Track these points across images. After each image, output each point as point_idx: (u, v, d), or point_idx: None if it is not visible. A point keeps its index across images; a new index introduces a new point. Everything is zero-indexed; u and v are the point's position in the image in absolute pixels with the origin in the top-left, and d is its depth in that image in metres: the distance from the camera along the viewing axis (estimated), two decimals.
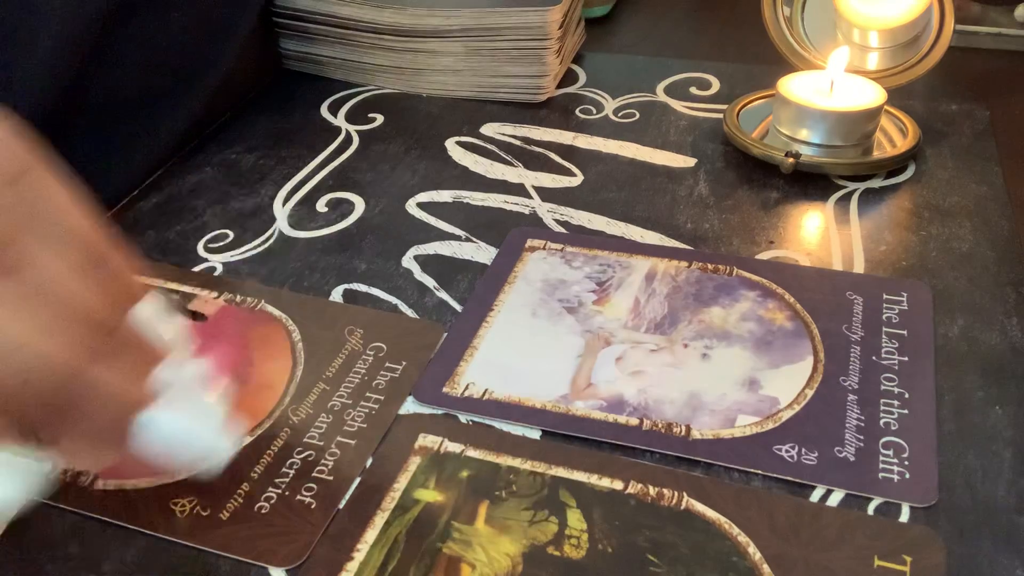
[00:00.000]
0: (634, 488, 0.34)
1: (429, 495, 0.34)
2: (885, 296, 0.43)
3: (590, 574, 0.31)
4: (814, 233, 0.48)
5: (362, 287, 0.45)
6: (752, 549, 0.32)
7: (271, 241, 0.49)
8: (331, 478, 0.35)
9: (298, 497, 0.34)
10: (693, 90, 0.63)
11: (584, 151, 0.57)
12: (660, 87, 0.64)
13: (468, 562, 0.32)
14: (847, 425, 0.36)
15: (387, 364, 0.40)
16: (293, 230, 0.50)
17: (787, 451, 0.35)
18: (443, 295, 0.45)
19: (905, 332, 0.41)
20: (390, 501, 0.34)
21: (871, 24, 0.59)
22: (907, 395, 0.38)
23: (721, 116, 0.57)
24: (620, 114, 0.61)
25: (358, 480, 0.35)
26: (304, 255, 0.48)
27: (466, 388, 0.39)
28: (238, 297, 0.45)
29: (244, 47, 0.60)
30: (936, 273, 0.45)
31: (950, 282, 0.44)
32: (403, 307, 0.44)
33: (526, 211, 0.51)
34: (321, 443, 0.37)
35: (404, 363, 0.40)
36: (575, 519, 0.33)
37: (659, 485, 0.34)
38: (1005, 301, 0.43)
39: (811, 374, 0.39)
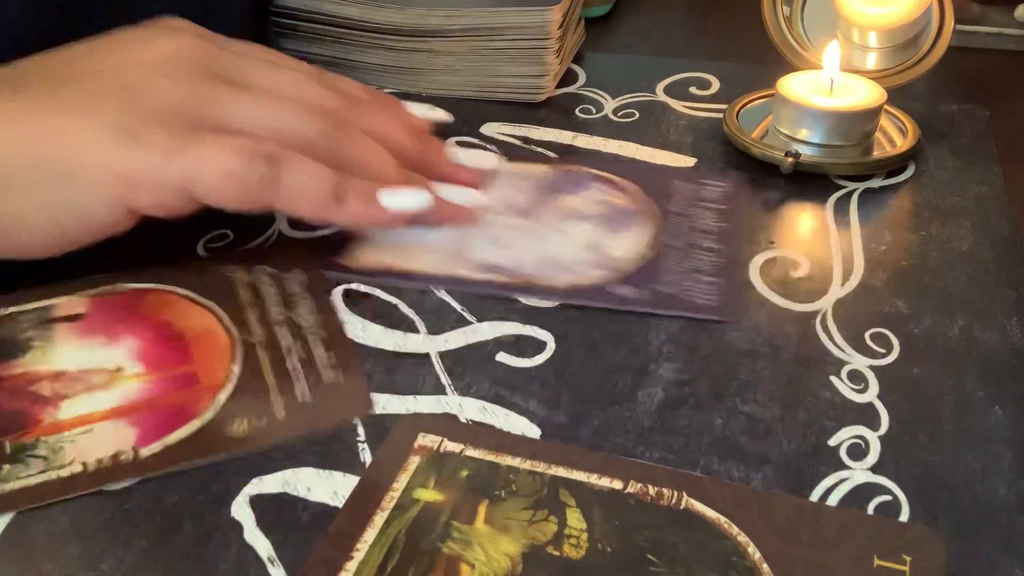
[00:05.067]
0: (634, 488, 0.34)
1: (429, 495, 0.34)
2: (702, 181, 0.52)
3: (590, 574, 0.31)
4: (814, 233, 0.49)
5: (362, 287, 0.45)
6: (752, 549, 0.32)
7: (271, 241, 0.49)
8: None
9: None
10: (693, 90, 0.63)
11: (584, 151, 0.57)
12: (660, 87, 0.64)
13: (468, 562, 0.32)
14: (676, 271, 0.45)
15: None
16: (293, 230, 0.50)
17: (626, 291, 0.44)
18: (443, 295, 0.45)
19: (725, 206, 0.50)
20: (389, 501, 0.34)
21: (871, 24, 0.59)
22: (723, 248, 0.47)
23: (721, 116, 0.58)
24: (620, 114, 0.61)
25: (358, 480, 0.35)
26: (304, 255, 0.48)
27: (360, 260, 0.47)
28: None
29: None
30: (936, 273, 0.45)
31: (950, 282, 0.44)
32: (403, 307, 0.44)
33: None
34: None
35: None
36: (575, 519, 0.33)
37: (659, 485, 0.34)
38: (1005, 301, 0.43)
39: (650, 242, 0.47)
